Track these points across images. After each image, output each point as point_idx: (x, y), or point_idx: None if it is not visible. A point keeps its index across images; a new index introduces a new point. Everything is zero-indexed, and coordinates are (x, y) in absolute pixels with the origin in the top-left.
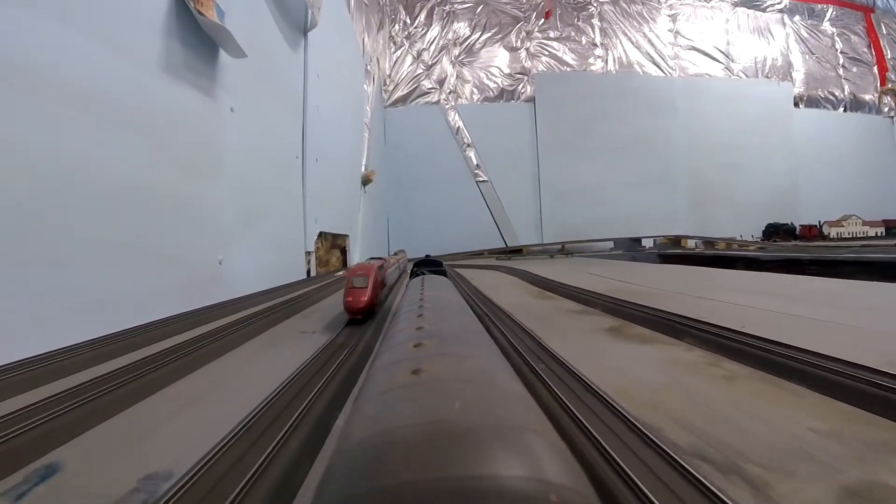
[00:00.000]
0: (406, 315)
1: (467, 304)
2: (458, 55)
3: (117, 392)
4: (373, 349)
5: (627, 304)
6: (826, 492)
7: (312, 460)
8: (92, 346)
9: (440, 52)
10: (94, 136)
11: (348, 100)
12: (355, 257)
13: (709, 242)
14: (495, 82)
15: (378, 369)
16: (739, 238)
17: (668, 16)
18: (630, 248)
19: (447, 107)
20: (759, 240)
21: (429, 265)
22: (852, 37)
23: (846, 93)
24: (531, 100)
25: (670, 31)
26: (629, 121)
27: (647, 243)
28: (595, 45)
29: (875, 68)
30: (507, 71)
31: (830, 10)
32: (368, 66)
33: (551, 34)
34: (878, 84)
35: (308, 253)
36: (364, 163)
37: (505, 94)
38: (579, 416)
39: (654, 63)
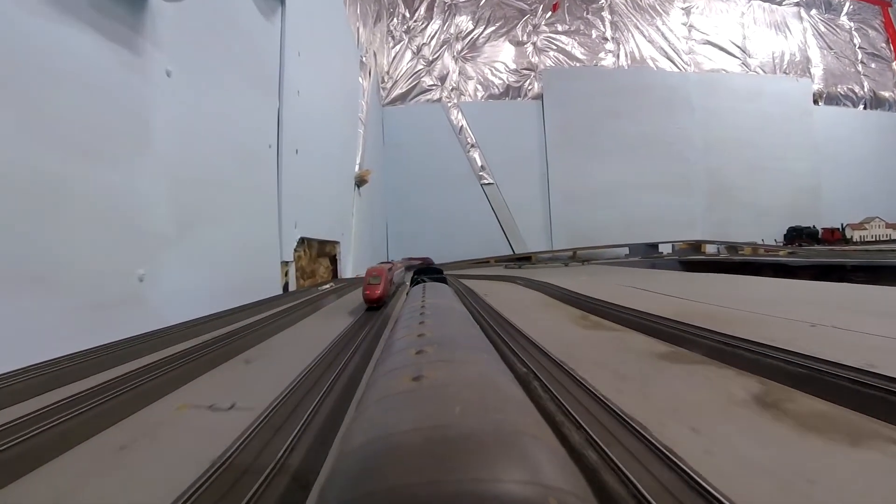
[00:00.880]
0: (407, 322)
1: (486, 336)
2: (461, 50)
3: None
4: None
5: (732, 342)
6: None
7: None
8: None
9: (441, 47)
10: None
11: (339, 89)
12: (348, 267)
13: (732, 248)
14: (500, 78)
15: (380, 375)
16: (761, 242)
17: (682, 9)
18: (647, 255)
19: (449, 105)
20: (780, 244)
21: (429, 272)
22: (870, 31)
23: (865, 90)
24: (539, 97)
25: (684, 24)
26: (643, 119)
27: (665, 249)
28: (605, 39)
29: (894, 64)
30: (512, 67)
31: (847, 4)
32: (364, 58)
33: (559, 28)
34: None
35: (285, 263)
36: (358, 161)
37: (511, 91)
38: None
39: (668, 58)
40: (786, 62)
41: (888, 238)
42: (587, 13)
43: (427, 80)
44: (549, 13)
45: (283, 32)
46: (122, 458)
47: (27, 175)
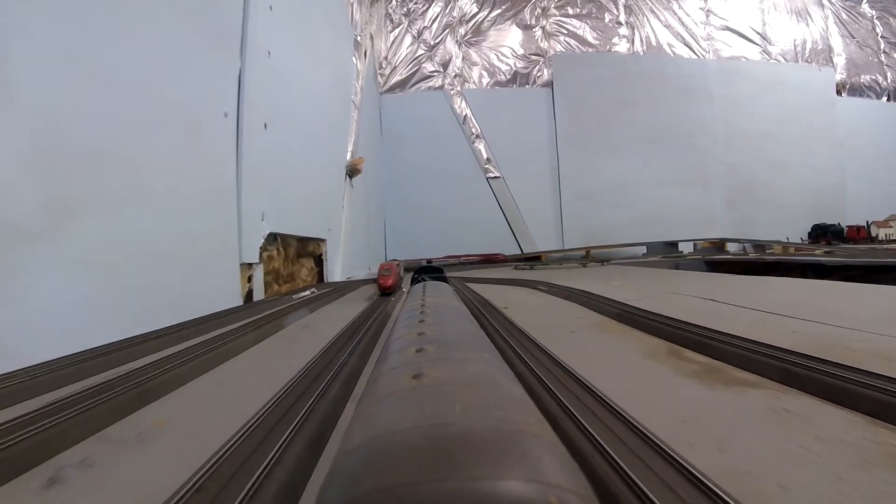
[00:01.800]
0: (407, 321)
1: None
2: (465, 34)
3: None
4: None
5: None
6: None
7: None
8: None
9: (444, 31)
10: None
11: (327, 64)
12: (336, 269)
13: (759, 246)
14: (507, 64)
15: (380, 374)
16: (786, 240)
17: None
18: (667, 254)
19: (452, 92)
20: (806, 242)
21: (429, 272)
22: (892, 20)
23: (889, 80)
24: (549, 84)
25: (702, 9)
26: (660, 109)
27: (685, 248)
28: (619, 23)
29: None
30: (520, 52)
31: None
32: (359, 38)
33: (570, 11)
34: None
35: (248, 265)
36: (350, 149)
37: (519, 78)
38: None
39: (686, 44)
40: (807, 50)
41: None
42: None
43: (428, 66)
44: None
45: None
46: None
47: None
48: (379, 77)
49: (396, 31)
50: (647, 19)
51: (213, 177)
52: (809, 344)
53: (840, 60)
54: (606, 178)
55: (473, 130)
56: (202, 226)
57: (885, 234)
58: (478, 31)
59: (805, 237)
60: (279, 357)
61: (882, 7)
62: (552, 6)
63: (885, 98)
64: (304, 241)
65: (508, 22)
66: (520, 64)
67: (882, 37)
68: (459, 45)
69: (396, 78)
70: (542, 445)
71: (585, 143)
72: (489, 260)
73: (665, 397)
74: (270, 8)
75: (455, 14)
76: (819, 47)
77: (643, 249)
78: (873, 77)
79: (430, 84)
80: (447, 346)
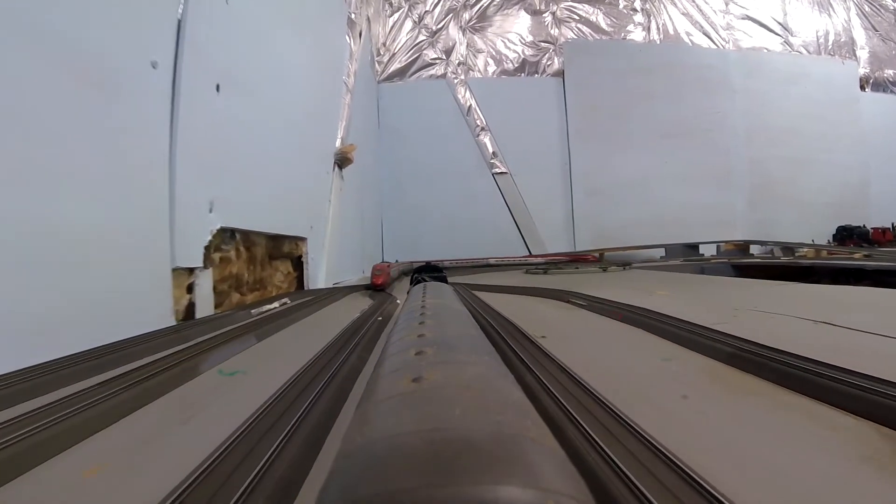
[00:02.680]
0: (407, 323)
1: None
2: (469, 20)
3: None
4: None
5: None
6: None
7: None
8: None
9: (447, 15)
10: None
11: (312, 31)
12: (320, 274)
13: (788, 249)
14: (515, 51)
15: (379, 377)
16: (812, 243)
17: None
18: (688, 257)
19: (456, 81)
20: (833, 245)
21: (429, 271)
22: None
23: None
24: (559, 73)
25: None
26: (678, 102)
27: (706, 251)
28: (634, 9)
29: None
30: (528, 39)
31: None
32: (353, 16)
33: None
34: None
35: (186, 271)
36: (340, 135)
37: (527, 67)
38: None
39: (705, 33)
40: (830, 42)
41: None
42: None
43: (430, 54)
44: None
45: None
46: None
47: None
48: (377, 65)
49: (396, 15)
50: (664, 6)
51: (130, 150)
52: None
53: (863, 54)
54: (621, 175)
55: (478, 122)
56: (109, 216)
57: None
58: (483, 17)
59: (830, 239)
60: (156, 453)
61: None
62: None
63: None
64: (277, 239)
65: (516, 7)
66: (528, 51)
67: None
68: (463, 31)
69: (395, 66)
70: (541, 450)
71: (598, 136)
72: (578, 260)
73: None
74: None
75: None
76: (842, 39)
77: (661, 252)
78: None
79: (432, 72)
80: (447, 349)
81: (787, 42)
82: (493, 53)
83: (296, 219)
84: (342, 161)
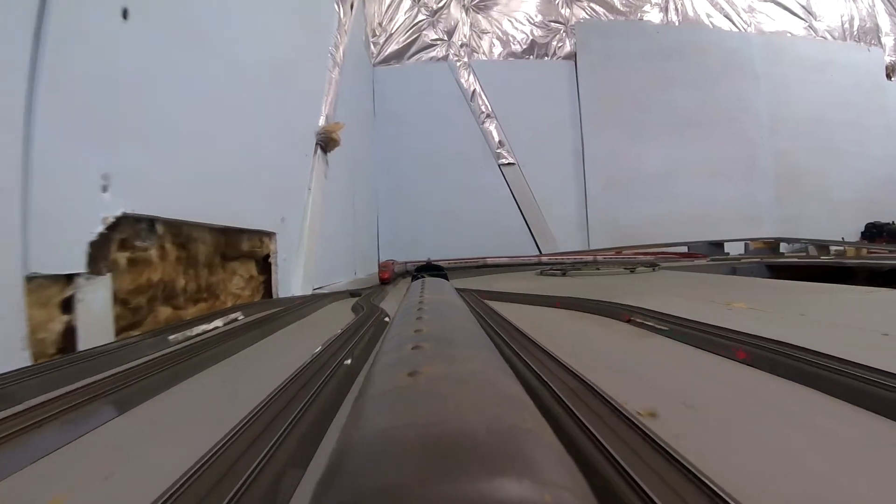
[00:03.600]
0: (405, 317)
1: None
2: None
3: None
4: None
5: None
6: None
7: None
8: None
9: None
10: None
11: None
12: (294, 278)
13: (823, 247)
14: (523, 32)
15: (375, 372)
16: (842, 240)
17: None
18: (715, 257)
19: (458, 64)
20: (864, 243)
21: (429, 270)
22: None
23: None
24: (571, 56)
25: None
26: (700, 87)
27: (732, 249)
28: None
29: None
30: (538, 18)
31: None
32: None
33: None
34: None
35: (52, 280)
36: (325, 112)
37: (536, 49)
38: None
39: (726, 16)
40: (855, 28)
41: None
42: None
43: (430, 34)
44: None
45: None
46: None
47: None
48: (372, 46)
49: None
50: None
51: None
52: None
53: (888, 41)
54: (639, 167)
55: (483, 109)
56: None
57: None
58: None
59: (859, 237)
60: None
61: None
62: None
63: None
64: (231, 234)
65: None
66: (538, 32)
67: None
68: (467, 10)
69: (392, 47)
70: (538, 444)
71: (614, 125)
72: (689, 257)
73: None
74: None
75: None
76: (867, 25)
77: (683, 250)
78: None
79: (433, 54)
80: (445, 344)
81: (811, 27)
82: (499, 34)
83: (259, 208)
84: (326, 142)
